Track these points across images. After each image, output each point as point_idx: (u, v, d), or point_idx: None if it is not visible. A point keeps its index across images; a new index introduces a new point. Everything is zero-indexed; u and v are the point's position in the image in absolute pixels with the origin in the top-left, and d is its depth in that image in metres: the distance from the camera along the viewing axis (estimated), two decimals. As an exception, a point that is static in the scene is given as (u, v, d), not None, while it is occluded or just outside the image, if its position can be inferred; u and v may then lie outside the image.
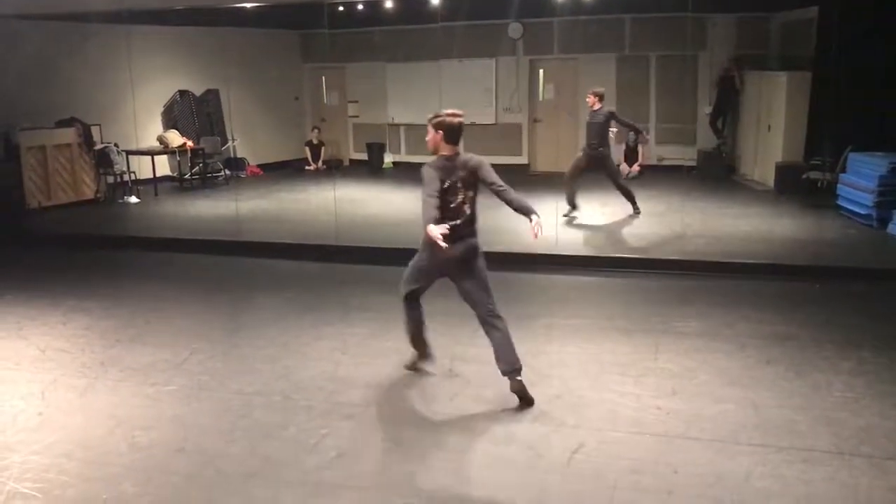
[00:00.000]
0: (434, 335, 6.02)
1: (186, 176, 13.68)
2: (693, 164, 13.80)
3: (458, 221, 4.69)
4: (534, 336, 6.01)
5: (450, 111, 4.84)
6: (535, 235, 4.58)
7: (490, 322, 4.83)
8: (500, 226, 9.83)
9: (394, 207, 11.44)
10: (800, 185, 10.82)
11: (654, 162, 14.22)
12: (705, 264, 7.84)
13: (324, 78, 16.63)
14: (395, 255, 8.59)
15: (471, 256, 4.82)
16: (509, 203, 4.74)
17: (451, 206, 4.68)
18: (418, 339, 5.26)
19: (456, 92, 13.99)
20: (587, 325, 6.29)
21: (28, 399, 5.01)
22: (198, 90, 14.51)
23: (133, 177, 12.60)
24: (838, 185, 10.12)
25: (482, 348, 5.72)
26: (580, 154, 10.19)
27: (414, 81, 15.31)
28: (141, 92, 12.86)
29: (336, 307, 6.97)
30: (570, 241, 8.69)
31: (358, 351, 5.79)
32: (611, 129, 10.08)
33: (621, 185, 10.26)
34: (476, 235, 4.86)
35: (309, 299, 7.21)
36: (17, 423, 4.65)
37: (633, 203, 10.27)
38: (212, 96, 14.75)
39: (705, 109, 13.77)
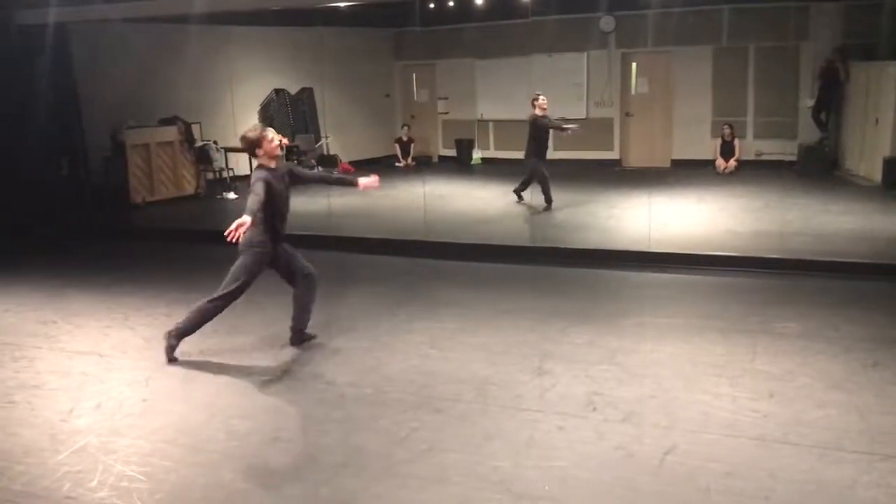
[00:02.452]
0: (523, 332, 6.03)
1: (281, 172, 14.02)
2: (793, 159, 13.30)
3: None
4: (625, 334, 5.92)
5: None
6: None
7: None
8: (590, 223, 9.73)
9: (482, 203, 11.45)
10: (910, 181, 10.29)
11: (752, 157, 13.79)
12: (806, 263, 7.55)
13: (414, 75, 16.79)
14: (483, 251, 8.67)
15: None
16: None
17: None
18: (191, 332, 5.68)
19: (546, 86, 13.81)
20: (681, 325, 6.14)
21: (133, 386, 5.25)
22: (293, 88, 14.87)
23: (231, 173, 13.00)
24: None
25: (572, 346, 5.69)
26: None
27: (503, 77, 15.29)
28: (239, 91, 13.29)
29: (425, 302, 7.02)
30: (663, 238, 8.50)
31: (447, 345, 5.82)
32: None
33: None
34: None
35: (399, 294, 7.29)
36: (124, 409, 4.88)
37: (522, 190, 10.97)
38: (306, 94, 15.09)
39: (807, 103, 13.25)
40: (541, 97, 10.45)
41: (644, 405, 4.67)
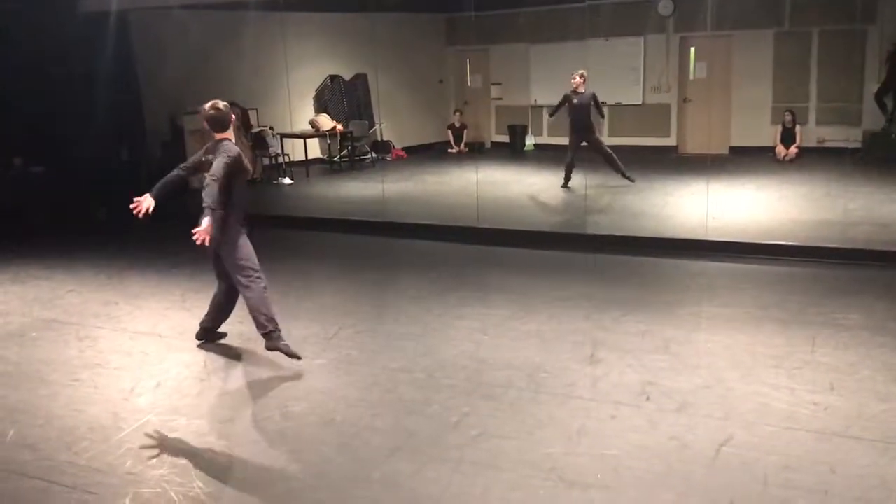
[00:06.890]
0: (576, 319, 5.99)
1: (336, 158, 14.15)
2: (858, 146, 12.91)
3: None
4: (681, 324, 5.83)
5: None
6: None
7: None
8: (645, 211, 9.60)
9: (535, 190, 11.37)
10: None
11: (813, 144, 13.42)
12: (870, 253, 7.33)
13: (468, 61, 16.71)
14: (535, 238, 8.62)
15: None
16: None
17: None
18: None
19: (601, 72, 13.71)
20: (738, 315, 6.03)
21: (191, 367, 5.37)
22: (347, 75, 14.95)
23: (287, 159, 13.16)
24: None
25: (625, 335, 5.63)
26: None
27: (558, 62, 15.09)
28: (295, 77, 13.38)
29: (477, 288, 7.02)
30: (721, 227, 8.33)
31: (498, 332, 5.81)
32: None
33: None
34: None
35: (450, 280, 7.30)
36: (182, 389, 4.99)
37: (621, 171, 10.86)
38: (360, 81, 15.16)
39: (873, 89, 12.83)
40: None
41: (699, 396, 4.60)
